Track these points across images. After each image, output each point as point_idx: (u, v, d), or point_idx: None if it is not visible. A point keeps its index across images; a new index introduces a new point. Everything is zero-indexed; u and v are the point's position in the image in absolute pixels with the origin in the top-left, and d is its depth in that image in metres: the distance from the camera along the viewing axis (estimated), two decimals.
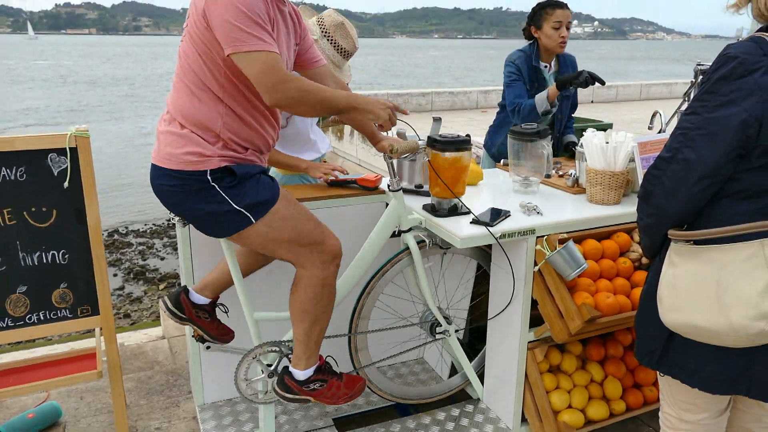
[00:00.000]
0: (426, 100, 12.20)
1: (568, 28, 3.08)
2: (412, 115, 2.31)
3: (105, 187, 11.03)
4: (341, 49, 2.61)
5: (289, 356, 2.12)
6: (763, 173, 1.40)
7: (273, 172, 2.65)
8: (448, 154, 2.12)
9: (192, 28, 1.77)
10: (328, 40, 2.59)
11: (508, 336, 2.29)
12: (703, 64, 2.90)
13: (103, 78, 39.54)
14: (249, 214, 1.85)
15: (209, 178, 1.81)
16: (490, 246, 2.37)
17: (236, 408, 2.49)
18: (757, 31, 1.43)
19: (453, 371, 2.68)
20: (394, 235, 2.23)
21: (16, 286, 2.18)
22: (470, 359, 2.53)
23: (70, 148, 2.14)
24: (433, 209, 2.24)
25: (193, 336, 2.23)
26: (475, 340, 2.82)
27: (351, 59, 2.72)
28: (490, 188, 2.61)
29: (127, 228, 9.34)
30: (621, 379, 2.44)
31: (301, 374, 2.04)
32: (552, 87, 2.99)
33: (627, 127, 8.99)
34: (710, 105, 1.40)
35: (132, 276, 7.20)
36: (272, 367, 2.14)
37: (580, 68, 3.32)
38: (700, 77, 2.74)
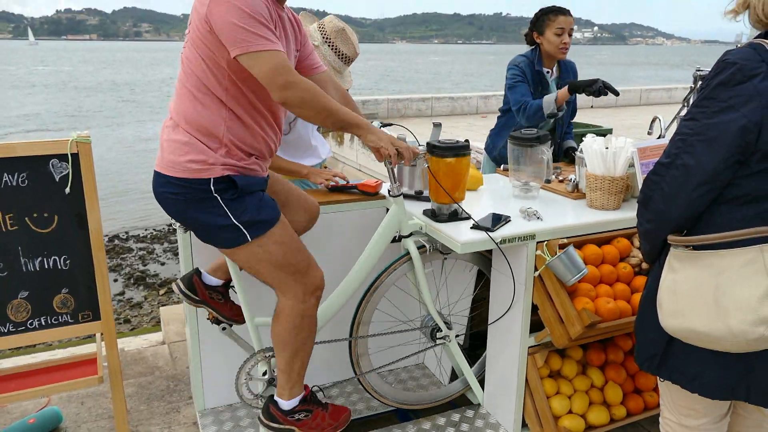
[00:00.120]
0: (426, 106, 12.22)
1: (570, 35, 3.09)
2: (412, 120, 2.32)
3: (106, 193, 11.03)
4: (342, 54, 2.62)
5: None
6: (762, 178, 1.41)
7: None
8: (447, 160, 2.13)
9: (195, 33, 1.78)
10: (329, 45, 2.60)
11: (509, 341, 2.29)
12: (702, 70, 2.91)
13: (103, 83, 39.61)
14: (246, 232, 1.85)
15: (212, 188, 1.81)
16: (490, 251, 2.37)
17: (237, 413, 2.49)
18: (756, 37, 1.44)
19: (453, 376, 2.68)
20: (394, 240, 2.24)
21: (18, 292, 2.19)
22: (470, 364, 2.53)
23: (71, 154, 2.15)
24: (433, 214, 2.25)
25: (207, 318, 2.23)
26: (475, 345, 2.82)
27: (351, 65, 2.73)
28: (491, 193, 2.62)
29: (127, 233, 9.33)
30: (621, 384, 2.44)
31: (286, 404, 2.04)
32: (563, 90, 2.98)
33: (627, 132, 9.02)
34: (709, 111, 1.40)
35: (132, 281, 7.19)
36: (274, 373, 2.15)
37: (579, 73, 3.34)
38: (700, 83, 2.75)
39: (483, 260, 2.47)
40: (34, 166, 2.12)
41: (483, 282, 2.58)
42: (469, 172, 2.27)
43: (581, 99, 3.11)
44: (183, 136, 1.82)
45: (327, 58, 2.59)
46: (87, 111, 25.35)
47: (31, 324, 2.23)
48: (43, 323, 2.25)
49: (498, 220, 2.16)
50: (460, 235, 2.07)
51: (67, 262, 2.23)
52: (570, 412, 2.33)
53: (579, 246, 2.22)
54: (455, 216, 2.22)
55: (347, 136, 9.49)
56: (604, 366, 2.47)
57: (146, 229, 9.52)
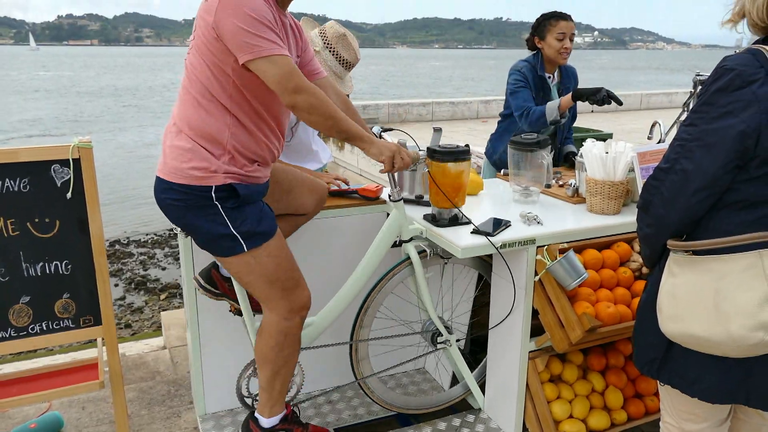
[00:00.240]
0: (427, 110, 12.23)
1: (571, 40, 3.10)
2: (412, 125, 2.33)
3: (107, 198, 11.05)
4: (343, 60, 2.63)
5: None
6: (761, 184, 1.41)
7: None
8: (447, 165, 2.14)
9: (200, 40, 1.77)
10: (330, 51, 2.61)
11: (509, 346, 2.30)
12: (702, 75, 2.92)
13: (105, 88, 39.70)
14: (243, 242, 1.86)
15: (213, 195, 1.82)
16: (490, 256, 2.37)
17: (237, 418, 2.48)
18: (754, 43, 1.45)
19: (454, 381, 2.68)
20: (395, 245, 2.24)
21: (19, 297, 2.19)
22: (471, 369, 2.53)
23: (73, 159, 2.16)
24: (433, 219, 2.25)
25: (230, 311, 2.24)
26: (476, 350, 2.83)
27: (352, 70, 2.74)
28: (491, 198, 2.62)
29: (128, 238, 9.34)
30: (622, 388, 2.44)
31: (266, 422, 2.04)
32: (566, 97, 2.99)
33: (627, 136, 9.02)
34: (708, 117, 1.41)
35: (133, 286, 7.19)
36: None
37: (579, 78, 3.35)
38: (699, 87, 2.76)
39: (483, 265, 2.47)
40: (36, 171, 2.13)
41: (483, 286, 2.58)
42: (469, 176, 2.28)
43: (582, 104, 3.12)
44: (186, 143, 1.82)
45: (328, 63, 2.60)
46: (88, 116, 25.42)
47: (32, 329, 2.23)
48: (45, 328, 2.25)
49: (498, 224, 2.17)
50: (460, 240, 2.07)
51: (69, 267, 2.23)
52: (571, 416, 2.33)
53: (579, 250, 2.23)
54: (455, 221, 2.22)
55: None
56: (605, 370, 2.47)
57: (147, 234, 9.53)
